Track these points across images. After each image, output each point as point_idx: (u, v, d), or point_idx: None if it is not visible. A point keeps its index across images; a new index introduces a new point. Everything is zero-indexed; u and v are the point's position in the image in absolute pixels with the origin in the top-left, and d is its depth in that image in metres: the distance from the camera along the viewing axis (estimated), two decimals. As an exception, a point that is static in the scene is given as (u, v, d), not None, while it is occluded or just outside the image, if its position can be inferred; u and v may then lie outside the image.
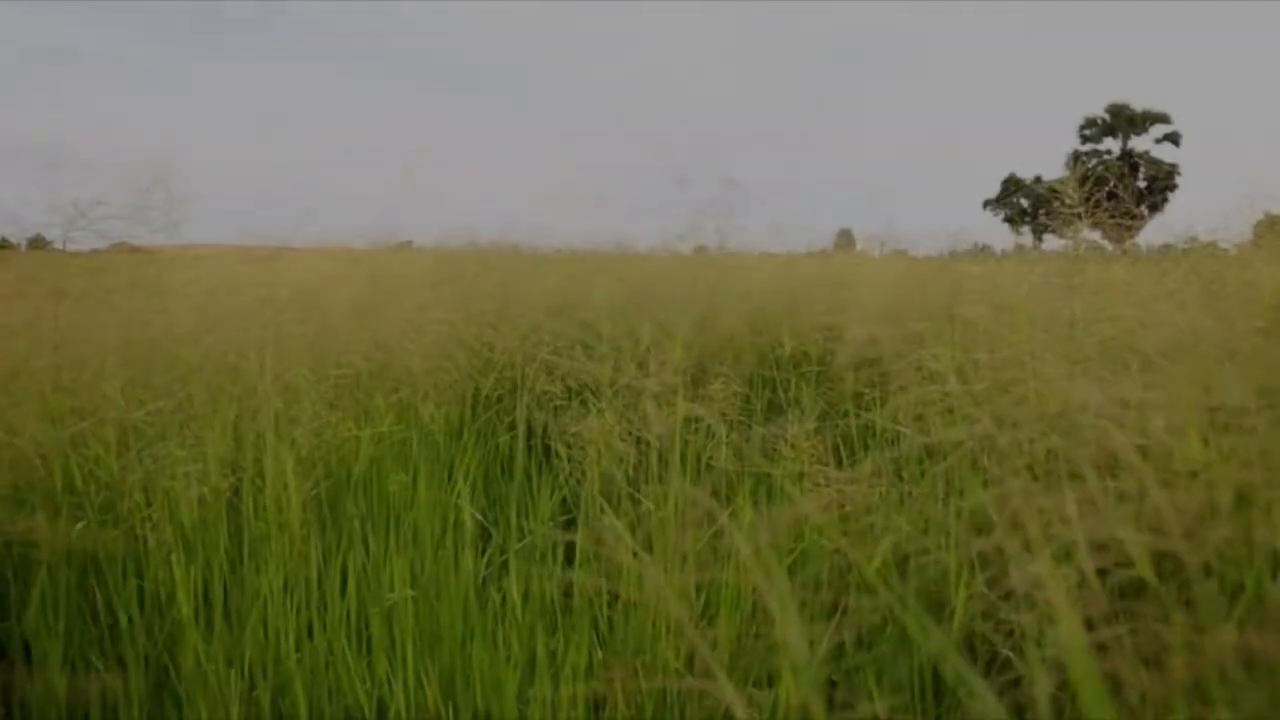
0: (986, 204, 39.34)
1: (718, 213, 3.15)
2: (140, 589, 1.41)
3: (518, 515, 1.85)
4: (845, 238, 8.90)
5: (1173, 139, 37.53)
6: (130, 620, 1.34)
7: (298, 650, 1.39)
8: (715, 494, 2.02)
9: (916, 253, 6.07)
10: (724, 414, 2.26)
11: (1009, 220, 36.96)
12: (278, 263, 2.90)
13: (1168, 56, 54.78)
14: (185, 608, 1.26)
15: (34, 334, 1.54)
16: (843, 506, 1.68)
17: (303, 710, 1.34)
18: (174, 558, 1.31)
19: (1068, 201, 2.15)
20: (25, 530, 1.32)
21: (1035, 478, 1.23)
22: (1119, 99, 38.13)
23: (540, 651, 1.33)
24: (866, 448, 2.11)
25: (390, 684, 1.36)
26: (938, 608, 1.31)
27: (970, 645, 1.28)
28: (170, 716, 1.30)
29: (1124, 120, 37.95)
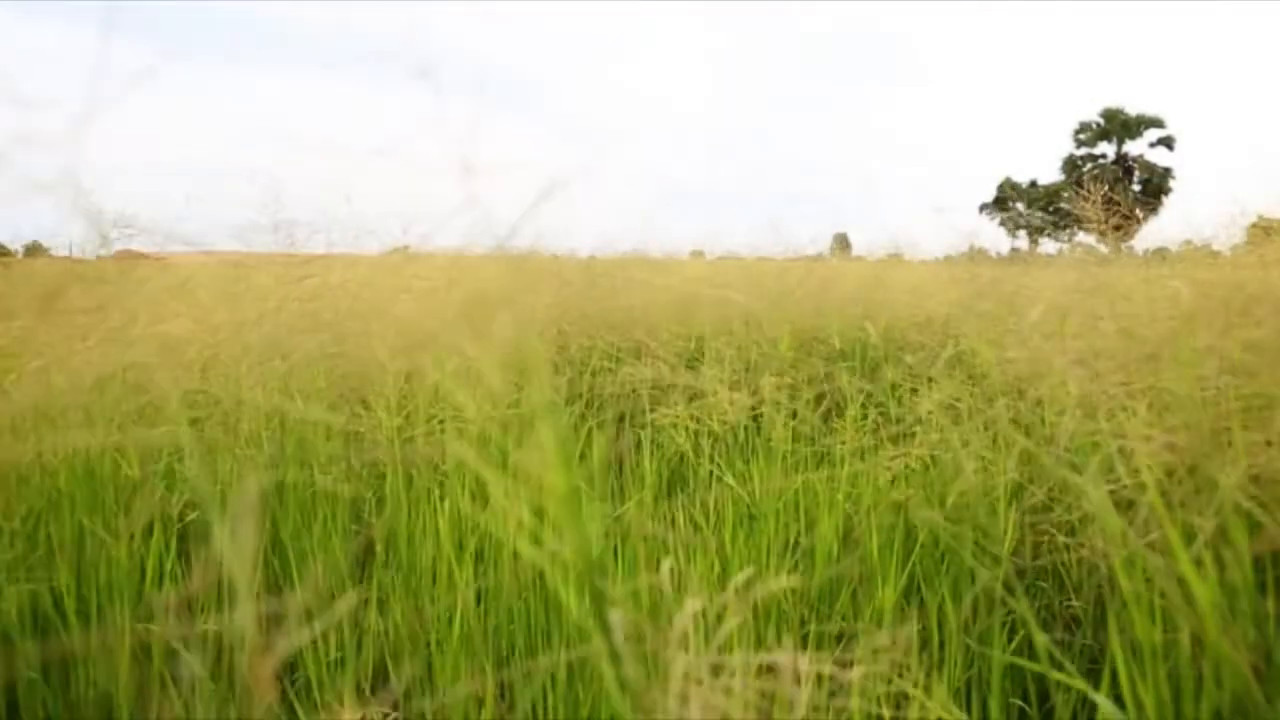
0: (983, 208, 39.79)
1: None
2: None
3: (621, 487, 2.22)
4: (841, 242, 9.20)
5: (1167, 143, 37.95)
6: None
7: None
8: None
9: (913, 257, 6.31)
10: (778, 402, 2.61)
11: (1004, 224, 37.33)
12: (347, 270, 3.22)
13: (1163, 59, 55.36)
14: (443, 525, 1.62)
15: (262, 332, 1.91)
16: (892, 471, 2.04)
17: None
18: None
19: (1081, 207, 2.44)
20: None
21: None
22: (1113, 103, 38.61)
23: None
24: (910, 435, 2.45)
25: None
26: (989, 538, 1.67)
27: (1020, 573, 1.65)
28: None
29: (1118, 124, 38.35)
